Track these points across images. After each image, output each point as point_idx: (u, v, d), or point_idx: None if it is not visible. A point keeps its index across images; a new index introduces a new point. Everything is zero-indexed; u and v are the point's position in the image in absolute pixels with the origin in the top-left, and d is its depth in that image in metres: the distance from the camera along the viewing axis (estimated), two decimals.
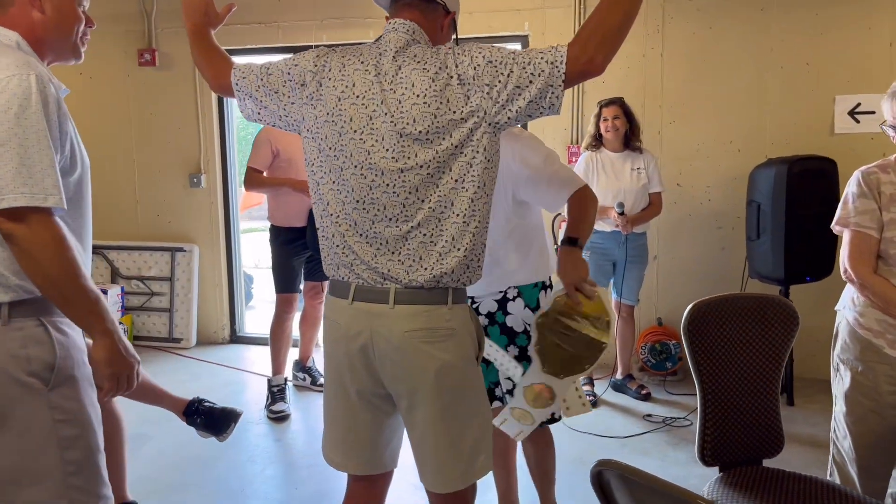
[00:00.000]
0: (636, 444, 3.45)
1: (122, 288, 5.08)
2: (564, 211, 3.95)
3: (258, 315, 6.33)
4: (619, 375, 4.17)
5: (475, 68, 1.61)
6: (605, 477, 1.47)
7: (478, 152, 1.64)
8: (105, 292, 4.89)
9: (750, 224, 3.93)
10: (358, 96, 1.66)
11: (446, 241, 1.65)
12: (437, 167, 1.63)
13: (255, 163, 3.77)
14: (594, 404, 3.95)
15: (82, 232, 1.61)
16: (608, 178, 3.91)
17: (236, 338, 5.31)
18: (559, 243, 2.07)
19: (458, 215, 1.65)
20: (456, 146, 1.62)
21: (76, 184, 1.56)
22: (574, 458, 3.31)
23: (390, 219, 1.66)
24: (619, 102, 3.94)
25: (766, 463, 2.17)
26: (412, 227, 1.65)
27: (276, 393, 3.85)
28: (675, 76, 4.37)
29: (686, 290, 4.41)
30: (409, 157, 1.63)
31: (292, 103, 1.74)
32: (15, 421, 1.49)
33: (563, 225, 4.47)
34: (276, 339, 3.90)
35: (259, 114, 1.81)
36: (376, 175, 1.65)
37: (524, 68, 1.60)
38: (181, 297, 5.14)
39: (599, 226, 3.93)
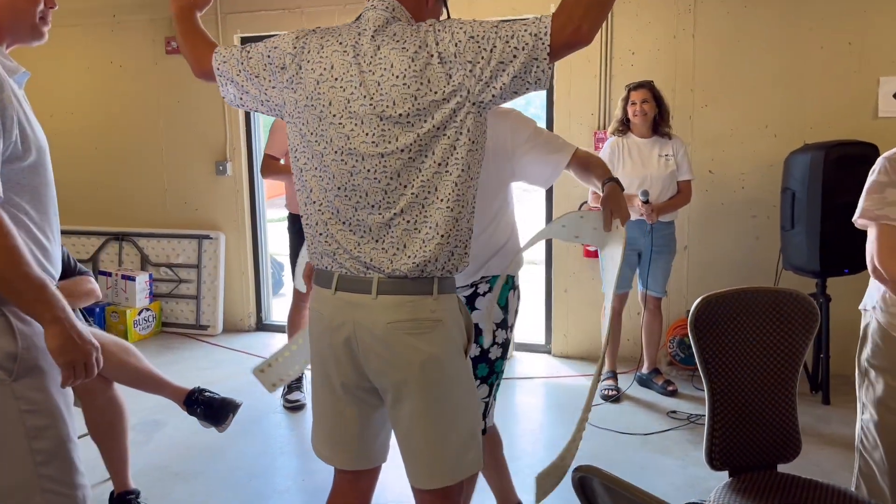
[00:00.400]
0: (657, 442, 3.32)
1: (151, 275, 5.13)
2: (590, 200, 3.86)
3: (288, 302, 6.33)
4: (644, 370, 4.02)
5: (456, 45, 1.53)
6: (588, 483, 1.37)
7: (461, 134, 1.55)
8: (133, 279, 4.94)
9: (784, 213, 3.73)
10: (336, 79, 1.59)
11: (430, 228, 1.58)
12: (419, 151, 1.55)
13: (271, 150, 3.73)
14: (617, 399, 3.82)
15: (44, 218, 1.57)
16: (634, 164, 3.76)
17: (262, 325, 5.32)
18: (601, 187, 1.95)
19: (442, 200, 1.57)
20: (438, 128, 1.54)
21: (30, 170, 1.52)
22: (591, 455, 3.20)
23: (372, 206, 1.59)
24: (647, 86, 3.78)
25: (782, 468, 2.04)
26: (395, 213, 1.58)
27: (292, 382, 3.83)
28: (708, 58, 4.17)
29: (718, 282, 4.22)
30: (389, 142, 1.55)
31: (273, 87, 1.68)
32: None
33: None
34: (294, 328, 3.87)
35: (241, 99, 1.75)
36: (357, 160, 1.58)
37: (507, 42, 1.51)
38: (208, 285, 5.17)
39: None
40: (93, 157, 5.38)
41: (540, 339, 4.74)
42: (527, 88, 1.56)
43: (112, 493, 2.62)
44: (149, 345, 4.90)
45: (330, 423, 1.76)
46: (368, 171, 1.57)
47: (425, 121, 1.54)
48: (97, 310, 4.92)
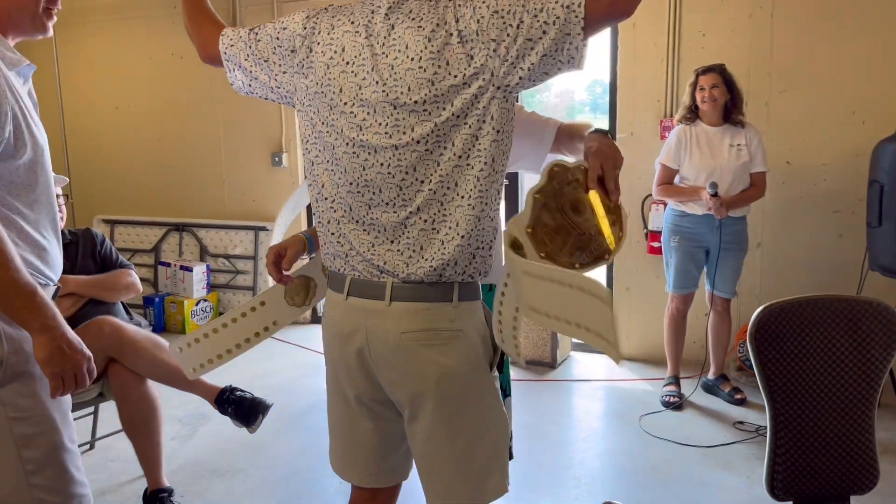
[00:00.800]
0: (721, 456, 3.06)
1: (208, 266, 5.16)
2: (655, 193, 3.61)
3: None
4: (710, 375, 3.75)
5: (478, 21, 1.36)
6: None
7: (484, 122, 1.39)
8: (190, 270, 4.98)
9: (871, 208, 3.39)
10: (348, 63, 1.44)
11: (450, 228, 1.43)
12: (437, 142, 1.40)
13: None
14: (679, 406, 3.57)
15: (40, 218, 1.50)
16: (703, 154, 3.49)
17: (318, 318, 5.29)
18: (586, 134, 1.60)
19: (462, 197, 1.42)
20: (458, 116, 1.38)
21: (26, 168, 1.45)
22: (647, 467, 2.98)
23: (387, 203, 1.44)
24: (718, 70, 3.50)
25: (855, 501, 1.79)
26: (411, 212, 1.43)
27: None
28: (788, 38, 3.83)
29: (794, 282, 3.90)
30: (404, 132, 1.40)
31: (284, 72, 1.54)
32: None
33: (654, 207, 4.08)
34: None
35: (250, 86, 1.62)
36: (369, 153, 1.43)
37: (535, 16, 1.34)
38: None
39: (691, 208, 3.52)
40: (155, 148, 5.45)
41: None
42: (559, 69, 1.39)
43: (146, 490, 2.59)
44: None
45: (345, 437, 1.63)
46: (382, 164, 1.43)
47: (444, 108, 1.38)
48: (157, 300, 4.98)
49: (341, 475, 1.68)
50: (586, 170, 1.44)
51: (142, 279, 5.33)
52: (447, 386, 1.45)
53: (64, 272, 2.75)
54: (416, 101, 1.38)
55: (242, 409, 2.54)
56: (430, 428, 1.48)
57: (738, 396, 3.59)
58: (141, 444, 2.53)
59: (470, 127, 1.39)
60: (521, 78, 1.38)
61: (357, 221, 1.48)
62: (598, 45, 4.32)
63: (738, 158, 3.46)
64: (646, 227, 4.19)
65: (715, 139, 3.50)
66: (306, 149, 1.55)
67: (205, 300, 5.07)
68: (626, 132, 4.17)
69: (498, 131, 1.41)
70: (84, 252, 2.88)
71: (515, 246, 1.43)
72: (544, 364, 4.21)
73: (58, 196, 2.73)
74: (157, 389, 2.58)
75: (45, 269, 1.52)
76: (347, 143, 1.45)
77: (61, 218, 2.76)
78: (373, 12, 1.45)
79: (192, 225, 5.35)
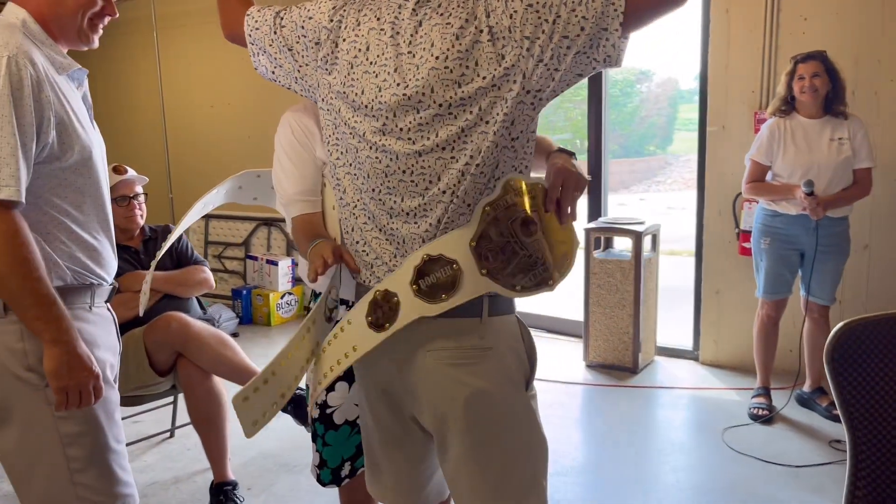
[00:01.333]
0: (811, 478, 2.82)
1: (293, 260, 5.27)
2: (744, 190, 3.38)
3: None
4: (806, 388, 3.48)
5: (511, 16, 1.28)
6: None
7: (504, 129, 1.31)
8: (276, 263, 5.11)
9: None
10: (371, 62, 1.37)
11: None
12: (462, 149, 1.32)
13: None
14: (768, 420, 3.33)
15: (90, 219, 1.54)
16: (798, 149, 3.22)
17: None
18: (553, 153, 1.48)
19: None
20: (487, 122, 1.30)
21: (73, 170, 1.49)
22: (728, 484, 2.78)
23: (408, 213, 1.37)
24: (819, 57, 3.21)
25: None
26: (431, 224, 1.36)
27: None
28: None
29: None
30: (427, 138, 1.33)
31: (307, 64, 1.48)
32: (17, 416, 1.48)
33: (745, 205, 3.82)
34: None
35: (273, 73, 1.57)
36: (391, 159, 1.36)
37: (573, 10, 1.24)
38: None
39: (784, 207, 3.26)
40: (245, 145, 5.62)
41: (686, 343, 4.29)
42: (593, 68, 1.29)
43: (212, 482, 2.66)
44: (289, 328, 5.05)
45: (377, 458, 1.57)
46: (404, 172, 1.36)
47: (470, 112, 1.30)
48: (244, 292, 5.14)
49: (378, 498, 1.62)
50: (545, 189, 1.33)
51: (231, 272, 5.54)
52: (477, 409, 1.37)
53: (142, 268, 2.88)
54: (440, 104, 1.31)
55: (302, 407, 2.55)
56: (460, 453, 1.40)
57: (837, 412, 3.31)
58: (206, 437, 2.60)
59: (496, 135, 1.31)
60: (554, 80, 1.30)
61: (380, 230, 1.42)
62: (692, 30, 4.09)
63: (839, 153, 3.17)
64: (737, 226, 3.94)
65: (812, 133, 3.22)
66: (329, 151, 1.49)
67: (290, 293, 5.19)
68: (717, 125, 3.93)
69: (515, 139, 1.33)
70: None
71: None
72: (625, 369, 4.03)
73: (137, 195, 2.86)
74: (224, 385, 2.64)
75: (97, 268, 1.55)
76: (370, 148, 1.38)
77: (141, 216, 2.88)
78: (400, 7, 1.37)
79: (279, 220, 5.48)
